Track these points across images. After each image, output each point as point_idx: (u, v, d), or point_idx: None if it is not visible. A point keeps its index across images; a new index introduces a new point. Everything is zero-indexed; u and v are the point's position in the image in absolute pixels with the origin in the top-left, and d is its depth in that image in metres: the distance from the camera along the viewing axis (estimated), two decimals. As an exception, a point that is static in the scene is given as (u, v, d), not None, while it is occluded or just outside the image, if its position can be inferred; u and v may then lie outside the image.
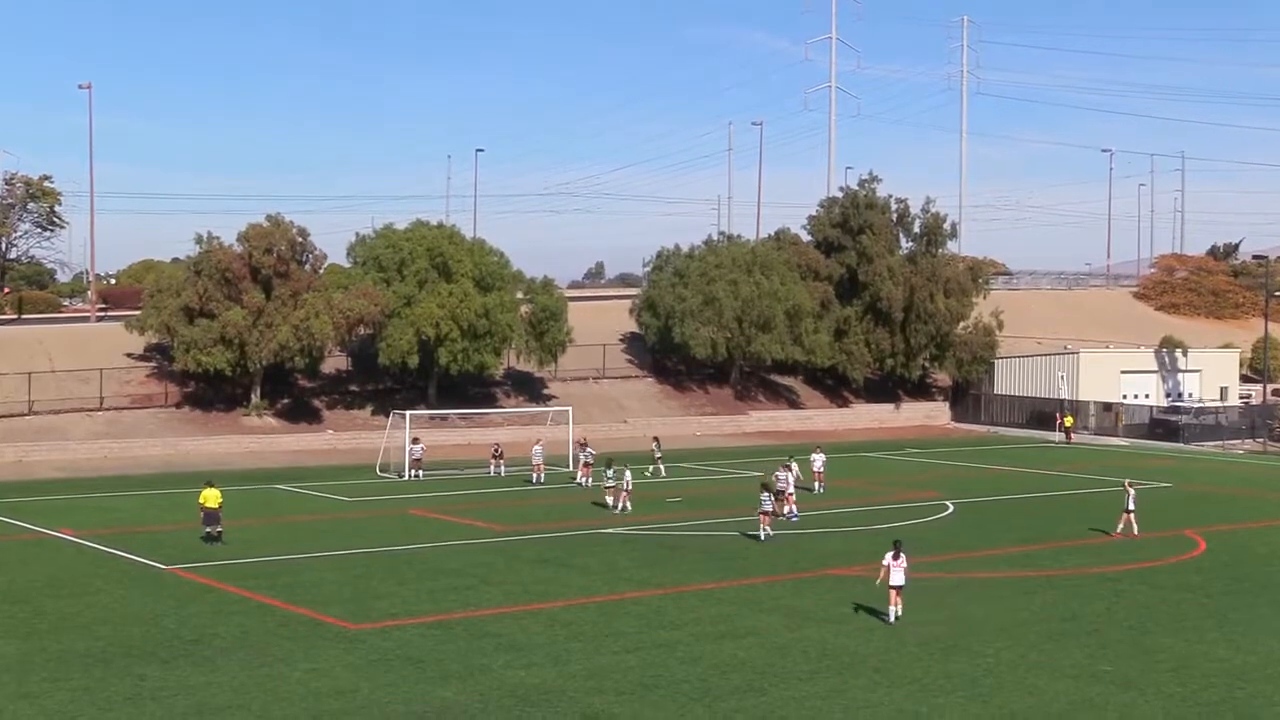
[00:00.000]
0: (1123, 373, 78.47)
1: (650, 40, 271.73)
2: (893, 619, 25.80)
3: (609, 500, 41.54)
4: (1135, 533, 37.11)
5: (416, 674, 22.01)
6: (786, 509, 38.95)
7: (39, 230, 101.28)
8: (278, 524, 38.96)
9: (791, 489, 39.87)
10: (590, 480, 47.25)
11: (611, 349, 76.23)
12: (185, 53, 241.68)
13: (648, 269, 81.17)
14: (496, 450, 53.02)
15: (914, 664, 22.87)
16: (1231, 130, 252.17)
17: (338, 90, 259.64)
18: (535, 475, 49.14)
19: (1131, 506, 37.50)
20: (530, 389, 71.46)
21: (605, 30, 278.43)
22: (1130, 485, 38.38)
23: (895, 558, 25.96)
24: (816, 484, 46.16)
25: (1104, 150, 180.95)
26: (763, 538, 35.34)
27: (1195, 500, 46.72)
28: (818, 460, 47.03)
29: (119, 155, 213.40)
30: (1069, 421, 70.33)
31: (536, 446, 50.27)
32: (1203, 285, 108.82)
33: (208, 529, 34.85)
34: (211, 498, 34.76)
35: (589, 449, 49.73)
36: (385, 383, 68.46)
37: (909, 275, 77.64)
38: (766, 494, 35.97)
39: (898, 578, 25.88)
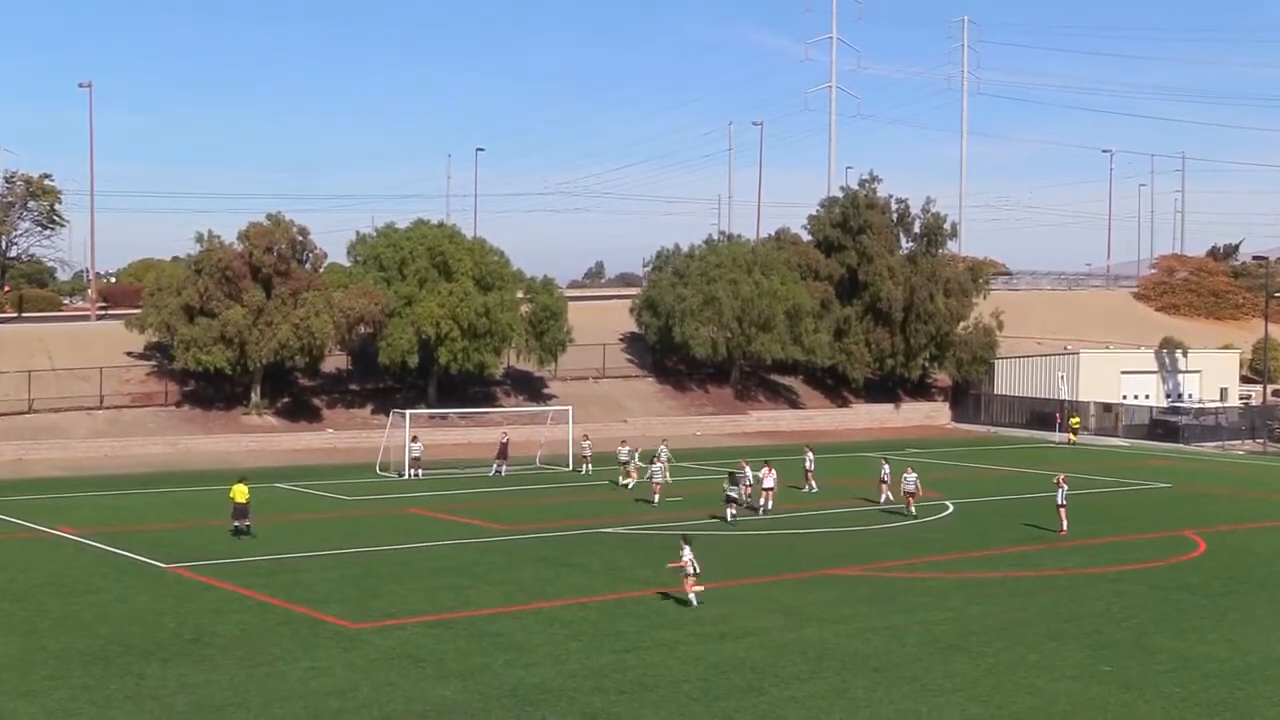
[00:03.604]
0: (1123, 373, 78.51)
1: (650, 39, 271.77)
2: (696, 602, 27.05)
3: (654, 498, 43.12)
4: (1063, 528, 37.44)
5: (416, 673, 22.02)
6: (760, 501, 41.25)
7: (39, 229, 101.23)
8: (278, 523, 38.90)
9: (749, 484, 41.78)
10: (621, 478, 48.25)
11: (612, 348, 76.25)
12: (185, 51, 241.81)
13: (648, 268, 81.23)
14: (504, 438, 52.99)
15: (914, 664, 22.88)
16: (1232, 131, 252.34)
17: (338, 89, 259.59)
18: (629, 481, 47.40)
19: (1062, 501, 37.75)
20: (530, 388, 71.48)
21: (605, 29, 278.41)
22: (1063, 481, 38.63)
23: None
24: (808, 484, 46.57)
25: (1104, 150, 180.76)
26: (728, 519, 38.25)
27: (1195, 501, 46.74)
28: (809, 460, 47.46)
29: (119, 153, 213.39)
30: (1075, 422, 70.17)
31: (644, 448, 49.36)
32: (1203, 286, 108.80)
33: (235, 523, 35.36)
34: (239, 493, 35.35)
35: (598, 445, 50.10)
36: (385, 382, 68.45)
37: (909, 275, 77.66)
38: (732, 484, 38.87)
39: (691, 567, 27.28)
